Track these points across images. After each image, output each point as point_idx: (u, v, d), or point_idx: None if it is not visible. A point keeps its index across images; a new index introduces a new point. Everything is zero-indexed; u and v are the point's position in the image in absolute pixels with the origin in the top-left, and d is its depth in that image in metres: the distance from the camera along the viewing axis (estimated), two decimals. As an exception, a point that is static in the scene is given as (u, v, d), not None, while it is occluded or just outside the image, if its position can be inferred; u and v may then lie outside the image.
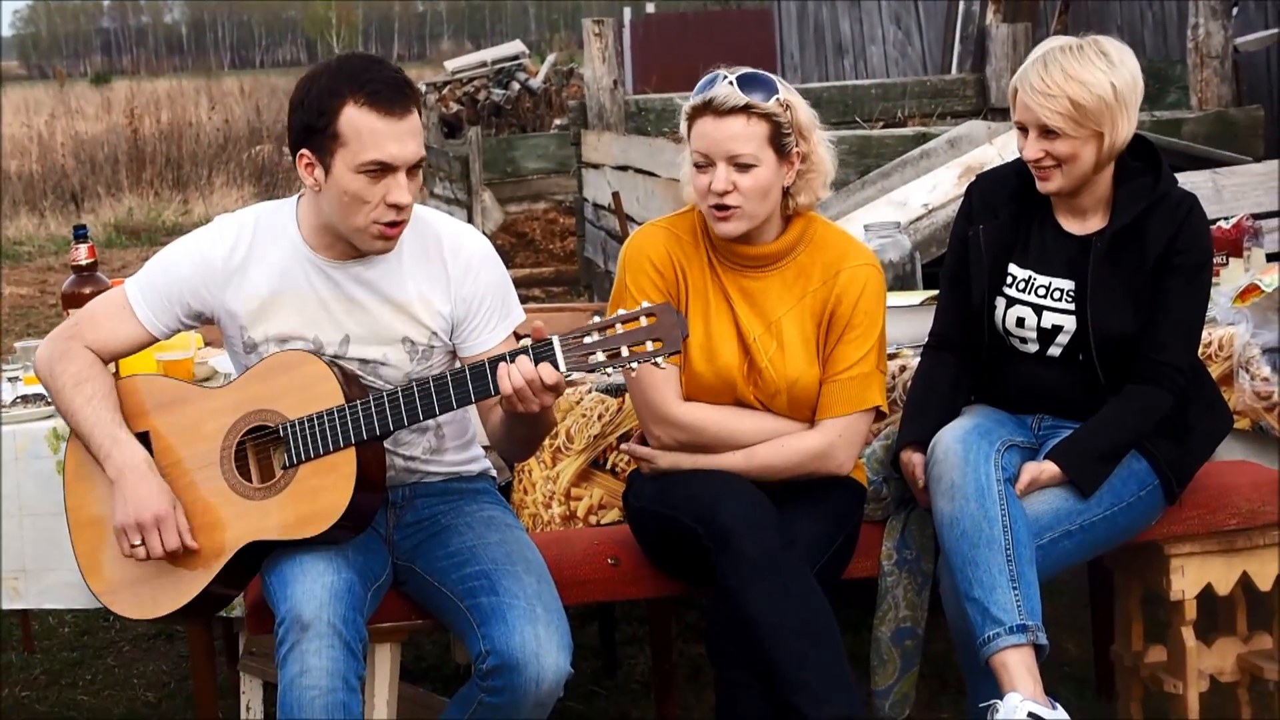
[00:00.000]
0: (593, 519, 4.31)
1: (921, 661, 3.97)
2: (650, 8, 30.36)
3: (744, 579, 3.41)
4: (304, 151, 3.35)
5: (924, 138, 7.07)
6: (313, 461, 3.35)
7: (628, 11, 27.73)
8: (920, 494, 3.77)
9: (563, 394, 3.33)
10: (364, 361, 3.48)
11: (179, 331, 3.57)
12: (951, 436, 3.72)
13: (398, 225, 3.37)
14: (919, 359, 4.04)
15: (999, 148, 6.25)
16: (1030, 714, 3.45)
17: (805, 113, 3.65)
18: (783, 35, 15.85)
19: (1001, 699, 3.49)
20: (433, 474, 3.64)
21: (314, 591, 3.27)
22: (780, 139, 3.60)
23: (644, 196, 8.53)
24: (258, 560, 3.44)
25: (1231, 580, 3.99)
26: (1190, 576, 3.95)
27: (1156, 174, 3.80)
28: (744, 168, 3.58)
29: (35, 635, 5.51)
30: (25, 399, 4.16)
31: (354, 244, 3.40)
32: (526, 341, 3.26)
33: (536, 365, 3.21)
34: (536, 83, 20.07)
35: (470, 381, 3.29)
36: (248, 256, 3.48)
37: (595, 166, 9.68)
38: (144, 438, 3.47)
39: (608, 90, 8.80)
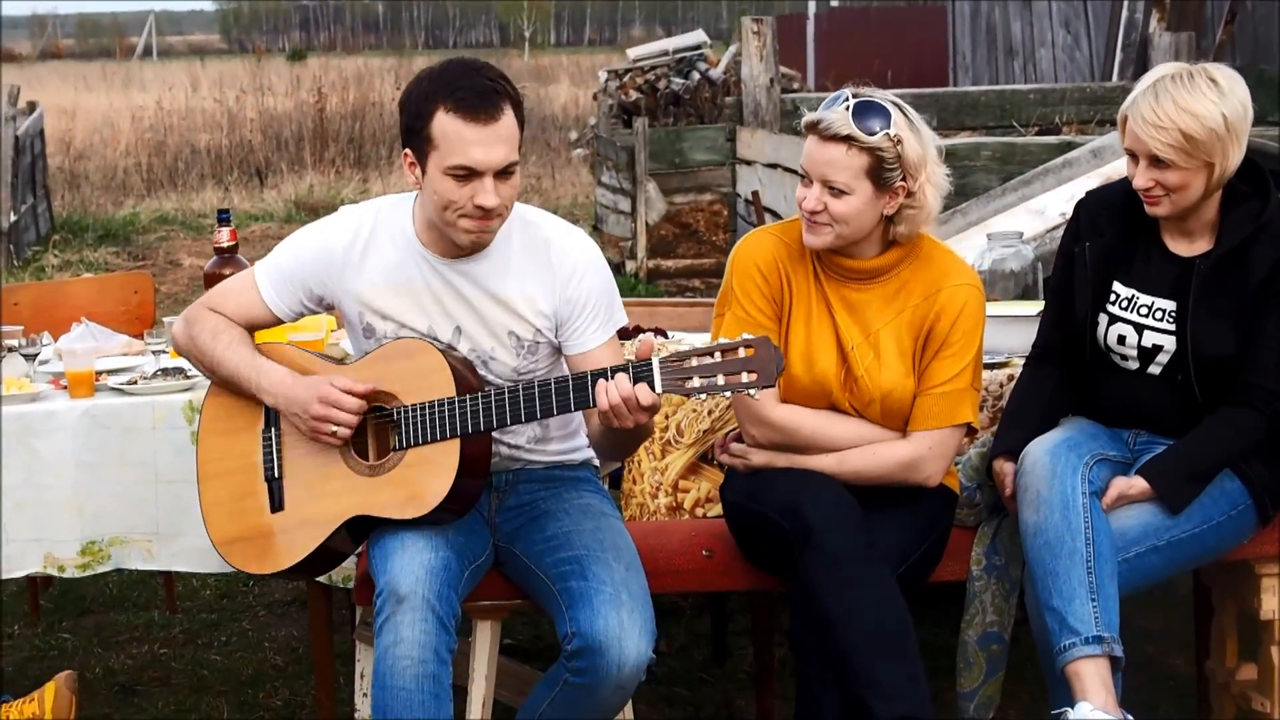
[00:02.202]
0: (699, 512, 4.43)
1: (1009, 666, 4.03)
2: (834, 1, 30.31)
3: (824, 575, 3.52)
4: (406, 150, 3.54)
5: (1068, 146, 7.07)
6: (420, 447, 3.53)
7: (812, 5, 27.74)
8: (1009, 502, 3.85)
9: (658, 413, 3.45)
10: (473, 354, 3.65)
11: (302, 315, 3.78)
12: (1041, 448, 3.79)
13: (488, 222, 3.53)
14: (1020, 371, 4.11)
15: (1139, 160, 6.23)
16: None
17: (918, 150, 3.68)
18: (955, 35, 15.77)
19: (1074, 707, 3.56)
20: (536, 462, 3.80)
21: (411, 567, 3.44)
22: (881, 173, 3.66)
23: (791, 195, 8.58)
24: (365, 531, 3.62)
25: (1325, 602, 4.00)
26: (1282, 596, 3.97)
27: (1265, 198, 3.83)
28: (837, 193, 3.67)
29: (179, 596, 5.77)
30: (166, 371, 4.39)
31: (451, 239, 3.58)
32: (631, 357, 3.42)
33: (635, 385, 3.36)
34: (717, 73, 20.13)
35: (572, 392, 3.45)
36: (367, 247, 3.66)
37: (748, 163, 9.77)
38: None
39: (764, 88, 8.90)
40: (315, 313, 3.79)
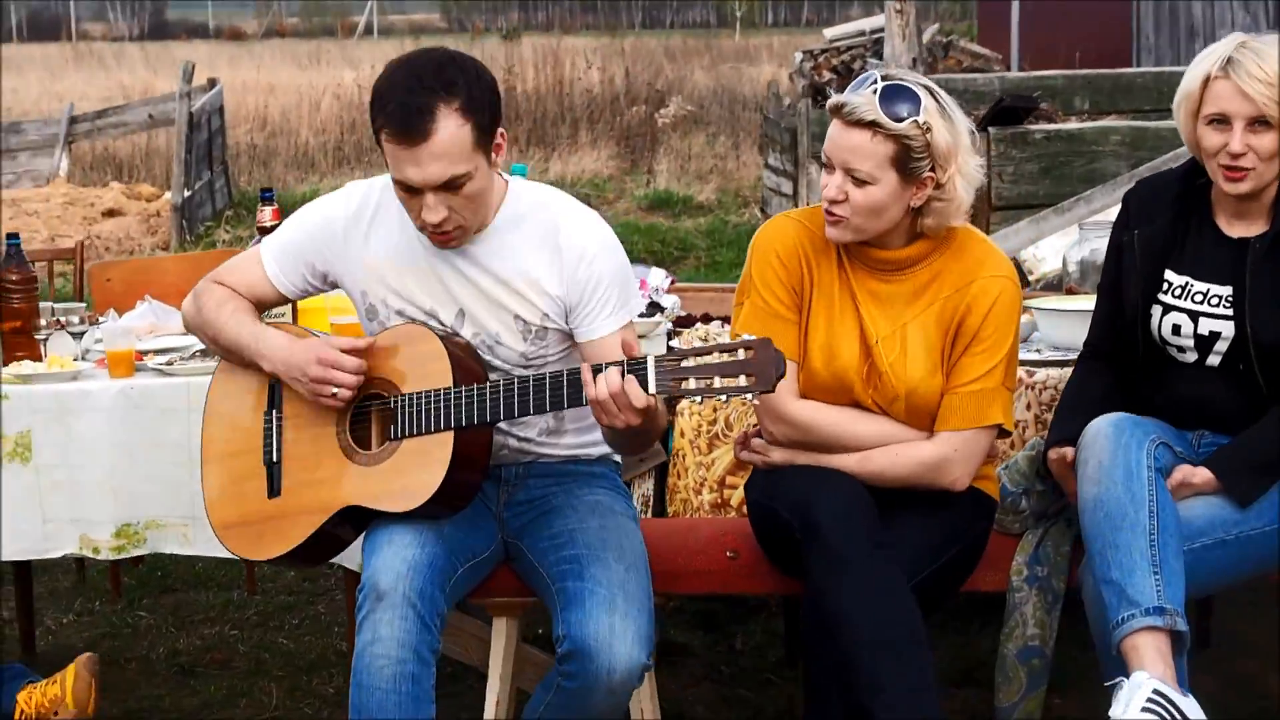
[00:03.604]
0: (746, 510, 4.25)
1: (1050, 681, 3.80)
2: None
3: (829, 575, 3.33)
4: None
5: (1202, 131, 6.70)
6: (415, 438, 3.41)
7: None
8: (1069, 484, 3.61)
9: (650, 413, 3.26)
10: (477, 337, 3.51)
11: (309, 293, 3.69)
12: (1105, 421, 3.56)
13: (446, 234, 3.40)
14: (1073, 368, 3.87)
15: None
16: (1155, 691, 3.24)
17: (948, 139, 3.44)
18: (1139, 16, 15.40)
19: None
20: (549, 455, 3.65)
21: (393, 564, 3.33)
22: (908, 162, 3.43)
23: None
24: (364, 521, 3.51)
25: None
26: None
27: None
28: (860, 182, 3.45)
29: (260, 577, 5.72)
30: (204, 352, 4.32)
31: None
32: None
33: (626, 382, 3.19)
34: (913, 53, 19.76)
35: (565, 387, 3.30)
36: (371, 223, 3.55)
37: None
38: (276, 385, 3.61)
39: (906, 68, 8.66)
40: (322, 290, 3.68)
